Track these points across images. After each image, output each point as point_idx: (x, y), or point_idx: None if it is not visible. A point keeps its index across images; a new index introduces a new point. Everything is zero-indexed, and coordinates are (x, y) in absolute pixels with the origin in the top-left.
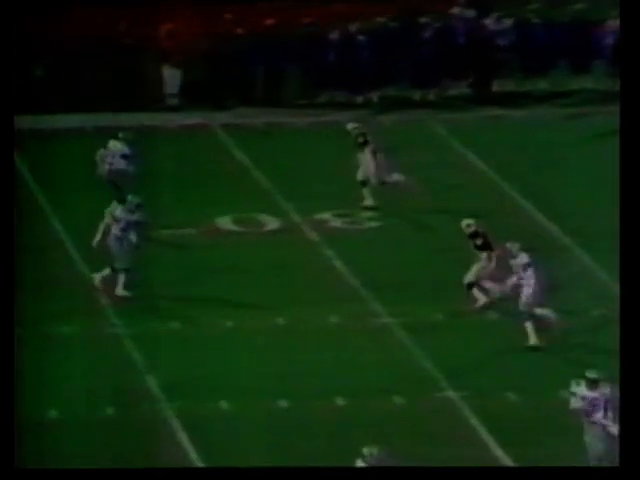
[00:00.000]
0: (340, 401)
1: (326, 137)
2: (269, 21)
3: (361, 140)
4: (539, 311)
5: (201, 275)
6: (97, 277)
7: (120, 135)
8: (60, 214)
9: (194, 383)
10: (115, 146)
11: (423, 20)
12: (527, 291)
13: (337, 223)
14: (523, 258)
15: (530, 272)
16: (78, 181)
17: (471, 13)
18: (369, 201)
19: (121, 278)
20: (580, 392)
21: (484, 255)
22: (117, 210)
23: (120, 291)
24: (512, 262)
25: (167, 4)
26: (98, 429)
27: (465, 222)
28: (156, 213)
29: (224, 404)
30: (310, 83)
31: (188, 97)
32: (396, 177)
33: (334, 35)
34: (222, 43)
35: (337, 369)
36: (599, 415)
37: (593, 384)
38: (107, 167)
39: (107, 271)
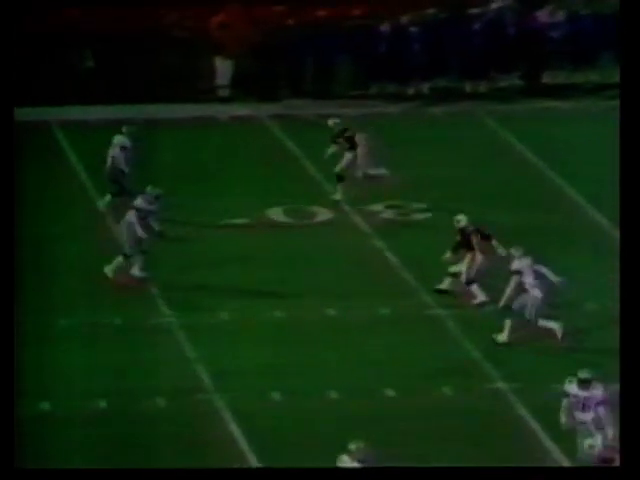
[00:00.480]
0: (390, 392)
1: (376, 128)
2: (320, 13)
3: (347, 134)
4: (543, 322)
5: (253, 266)
6: (109, 269)
7: (124, 129)
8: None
9: (245, 375)
10: (119, 140)
11: (473, 11)
12: (533, 298)
13: (388, 215)
14: (525, 261)
15: (533, 278)
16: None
17: (520, 5)
18: (338, 195)
19: (138, 260)
20: (572, 391)
21: (468, 254)
22: (138, 199)
23: (137, 272)
24: (515, 266)
25: None
26: (150, 420)
27: (457, 218)
28: (208, 203)
29: (276, 396)
30: (361, 74)
31: (239, 88)
32: (381, 171)
33: (385, 27)
34: (273, 35)
35: (387, 360)
36: (589, 415)
37: (585, 384)
38: (110, 161)
39: (120, 259)
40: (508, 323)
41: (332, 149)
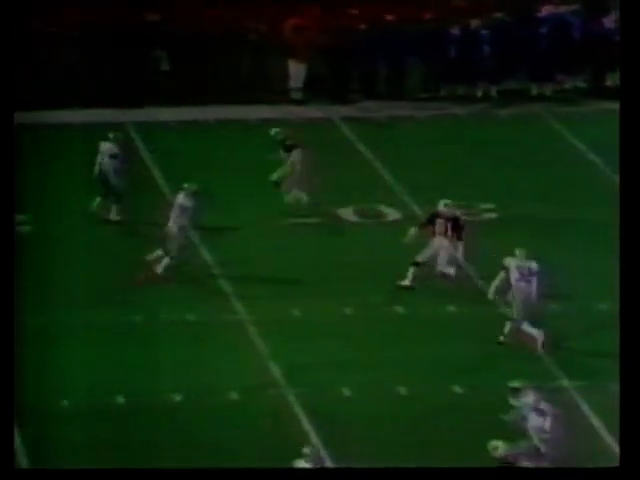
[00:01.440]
0: (458, 389)
1: (446, 130)
2: (391, 16)
3: (289, 143)
4: (525, 327)
5: (323, 264)
6: (159, 268)
7: (110, 135)
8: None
9: (317, 369)
10: (106, 148)
11: (540, 15)
12: (524, 298)
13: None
14: (514, 262)
15: (516, 279)
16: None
17: (586, 10)
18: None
19: (165, 261)
20: (514, 402)
21: (445, 241)
22: (180, 197)
23: (160, 269)
24: (505, 262)
25: (293, 0)
26: (222, 413)
27: (444, 201)
28: (280, 202)
29: (346, 391)
30: (431, 77)
31: (312, 91)
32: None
33: (455, 30)
34: (346, 38)
35: (458, 358)
36: (530, 424)
37: (516, 393)
38: (97, 169)
39: (160, 252)
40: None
41: (275, 156)
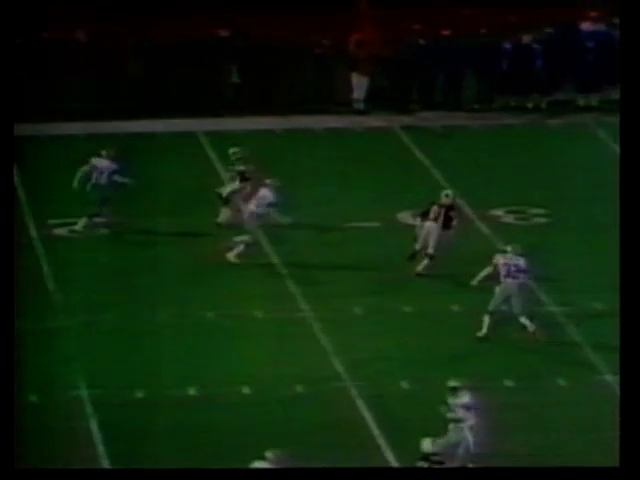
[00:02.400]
0: (509, 382)
1: (499, 139)
2: (448, 32)
3: (246, 169)
4: (523, 320)
5: (383, 265)
6: (231, 255)
7: (103, 153)
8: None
9: (377, 363)
10: (100, 163)
11: (587, 29)
12: (512, 293)
13: (508, 219)
14: (503, 259)
15: (503, 275)
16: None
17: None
18: (223, 218)
19: (239, 248)
20: (450, 401)
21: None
22: (261, 191)
23: (232, 257)
24: (495, 259)
25: (356, 16)
26: (287, 406)
27: (445, 192)
28: (343, 206)
29: (404, 384)
30: (485, 89)
31: (373, 102)
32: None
33: (508, 44)
34: (406, 52)
35: (510, 354)
36: (468, 424)
37: (454, 392)
38: (93, 182)
39: (241, 247)
40: (487, 319)
41: (230, 174)
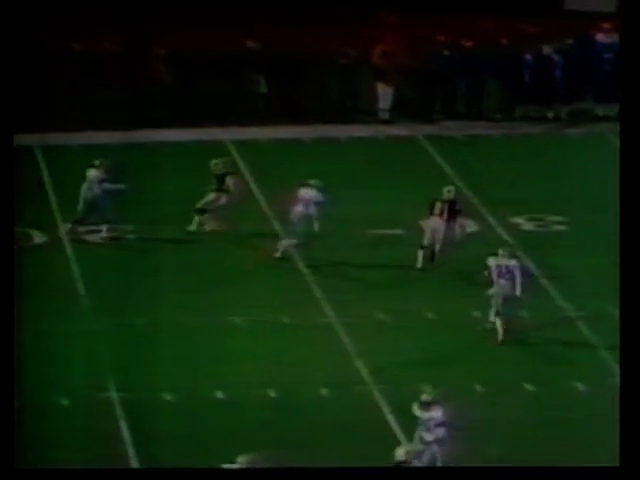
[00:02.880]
0: (529, 387)
1: (519, 147)
2: (470, 43)
3: (223, 171)
4: (497, 322)
5: (403, 271)
6: (280, 248)
7: (96, 163)
8: None
9: (399, 367)
10: (94, 174)
11: (604, 41)
12: (505, 293)
13: (529, 226)
14: (494, 261)
15: (497, 275)
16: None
17: None
18: (194, 227)
19: (285, 242)
20: (417, 413)
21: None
22: (305, 192)
23: (279, 253)
24: (494, 264)
25: (381, 27)
26: (314, 409)
27: (447, 188)
28: (368, 212)
29: (425, 388)
30: (507, 98)
31: (398, 111)
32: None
33: (528, 55)
34: (430, 62)
35: (530, 358)
36: (432, 436)
37: (426, 406)
38: (89, 193)
39: (292, 241)
40: (499, 322)
41: (211, 187)
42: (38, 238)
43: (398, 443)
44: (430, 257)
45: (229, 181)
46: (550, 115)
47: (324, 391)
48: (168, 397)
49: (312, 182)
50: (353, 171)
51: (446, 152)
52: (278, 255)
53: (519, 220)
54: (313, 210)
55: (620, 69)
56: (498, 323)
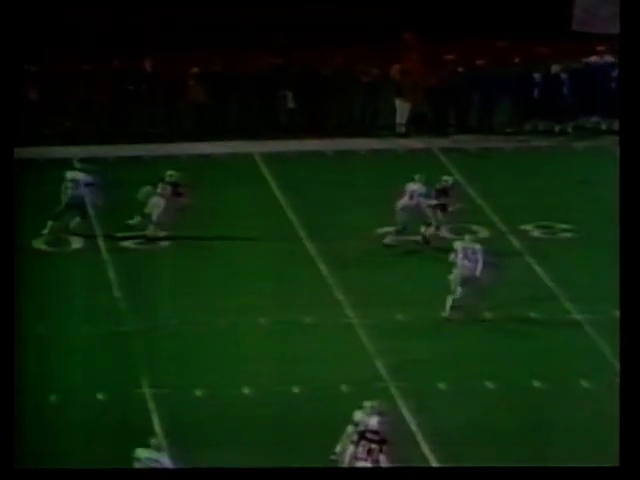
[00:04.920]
0: (537, 384)
1: (528, 160)
2: (482, 61)
3: (173, 186)
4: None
5: (421, 275)
6: (388, 239)
7: (79, 166)
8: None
9: (416, 366)
10: (76, 175)
11: (610, 60)
12: (468, 274)
13: (537, 233)
14: (460, 244)
15: (460, 258)
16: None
17: None
18: (135, 221)
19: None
20: (360, 419)
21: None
22: (412, 186)
23: (388, 241)
24: (460, 246)
25: (402, 47)
26: (333, 403)
27: (445, 177)
28: (385, 222)
29: (442, 385)
30: (517, 114)
31: (414, 125)
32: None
33: (537, 74)
34: (444, 80)
35: (538, 357)
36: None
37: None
38: (69, 193)
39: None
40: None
41: (147, 190)
42: (76, 243)
43: (414, 438)
44: (425, 242)
45: (181, 189)
46: (557, 129)
47: (344, 388)
48: (199, 393)
49: (416, 177)
50: (372, 181)
51: (460, 164)
52: (388, 242)
53: (528, 227)
54: (418, 201)
55: (619, 84)
56: (449, 300)
